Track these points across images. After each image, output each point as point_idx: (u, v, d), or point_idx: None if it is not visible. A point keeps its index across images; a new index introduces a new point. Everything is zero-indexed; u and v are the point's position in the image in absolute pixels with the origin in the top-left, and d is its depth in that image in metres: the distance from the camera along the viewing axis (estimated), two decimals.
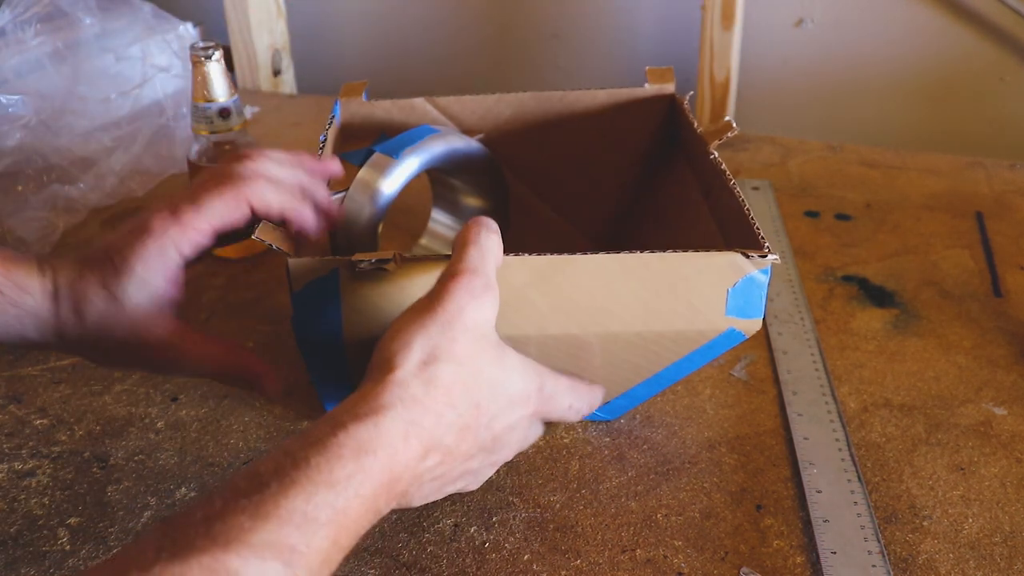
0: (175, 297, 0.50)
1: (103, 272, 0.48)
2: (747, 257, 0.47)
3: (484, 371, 0.43)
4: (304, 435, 0.38)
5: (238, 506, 0.34)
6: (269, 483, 0.35)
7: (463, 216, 0.71)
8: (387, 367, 0.41)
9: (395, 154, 0.59)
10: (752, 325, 0.50)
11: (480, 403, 0.42)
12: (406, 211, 0.74)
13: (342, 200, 0.59)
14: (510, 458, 0.48)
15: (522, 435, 0.47)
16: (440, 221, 0.73)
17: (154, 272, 0.48)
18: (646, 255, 0.47)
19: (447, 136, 0.63)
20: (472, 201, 0.70)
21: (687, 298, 0.48)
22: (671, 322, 0.49)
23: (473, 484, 0.47)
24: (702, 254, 0.47)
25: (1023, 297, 0.74)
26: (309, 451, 0.37)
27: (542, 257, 0.47)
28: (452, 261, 0.44)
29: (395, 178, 0.59)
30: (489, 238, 0.45)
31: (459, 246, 0.45)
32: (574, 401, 0.49)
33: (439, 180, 0.70)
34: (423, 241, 0.74)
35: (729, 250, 0.47)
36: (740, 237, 0.51)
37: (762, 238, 0.48)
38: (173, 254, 0.48)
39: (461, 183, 0.69)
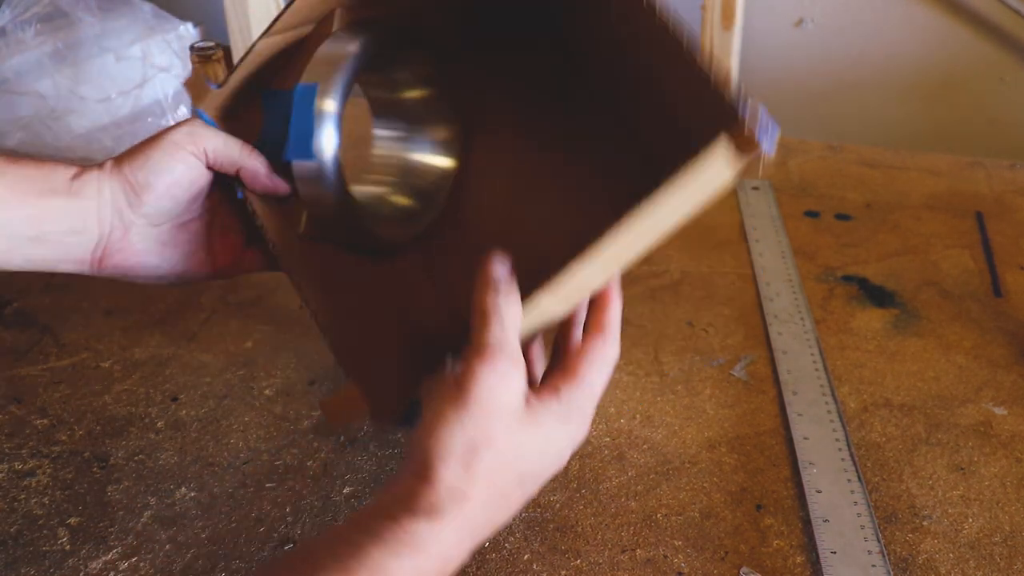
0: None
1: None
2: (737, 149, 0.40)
3: (524, 446, 0.42)
4: (357, 522, 0.39)
5: None
6: (326, 565, 0.37)
7: (409, 114, 0.64)
8: (429, 465, 0.41)
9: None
10: None
11: (523, 473, 0.43)
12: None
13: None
14: None
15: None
16: (385, 135, 0.65)
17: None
18: (646, 208, 0.42)
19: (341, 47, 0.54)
20: (413, 93, 0.62)
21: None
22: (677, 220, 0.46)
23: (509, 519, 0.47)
24: (692, 172, 0.41)
25: (1023, 297, 0.74)
26: (364, 540, 0.38)
27: (552, 282, 0.45)
28: (474, 332, 0.43)
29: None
30: (508, 306, 0.44)
31: (477, 315, 0.44)
32: (604, 379, 0.47)
33: (367, 84, 0.62)
34: (376, 158, 0.65)
35: (710, 144, 0.40)
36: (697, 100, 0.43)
37: (732, 100, 0.40)
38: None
39: (394, 76, 0.62)
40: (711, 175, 0.41)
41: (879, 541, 0.51)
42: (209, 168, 0.52)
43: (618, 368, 0.65)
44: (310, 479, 0.57)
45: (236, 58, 1.22)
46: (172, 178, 0.51)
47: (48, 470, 0.58)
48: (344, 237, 0.58)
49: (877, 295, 0.74)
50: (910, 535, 0.52)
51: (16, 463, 0.58)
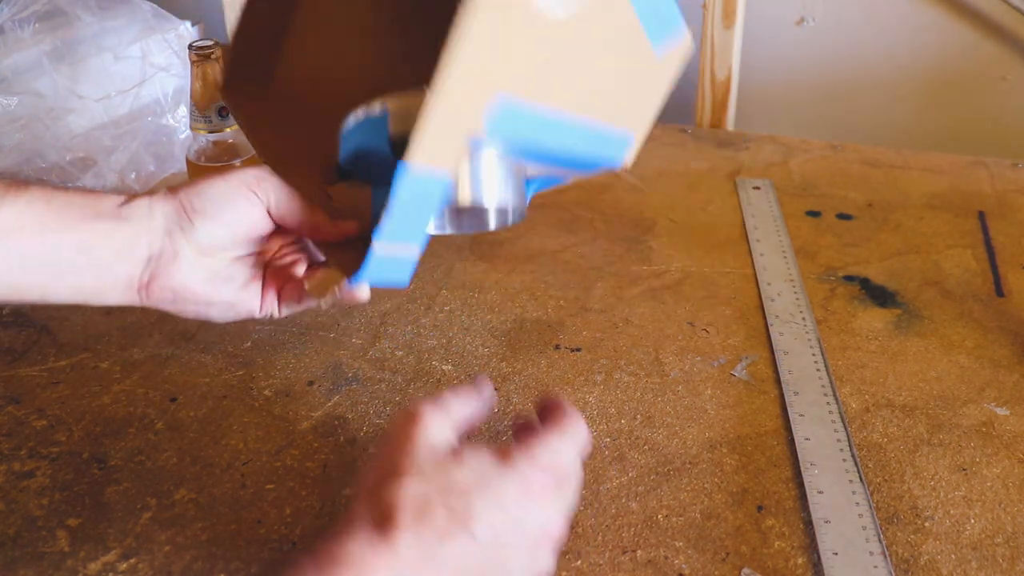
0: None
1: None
2: None
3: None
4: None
5: None
6: None
7: None
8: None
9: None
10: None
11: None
12: None
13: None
14: None
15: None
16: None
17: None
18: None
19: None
20: None
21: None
22: None
23: None
24: None
25: None
26: None
27: None
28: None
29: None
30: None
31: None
32: (578, 452, 0.44)
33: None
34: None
35: None
36: None
37: None
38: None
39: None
40: None
41: (881, 542, 0.51)
42: (271, 216, 0.53)
43: (618, 368, 0.65)
44: (310, 480, 0.56)
45: None
46: (233, 214, 0.51)
47: (47, 471, 0.58)
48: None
49: (879, 295, 0.74)
50: (912, 536, 0.52)
51: (15, 464, 0.58)
